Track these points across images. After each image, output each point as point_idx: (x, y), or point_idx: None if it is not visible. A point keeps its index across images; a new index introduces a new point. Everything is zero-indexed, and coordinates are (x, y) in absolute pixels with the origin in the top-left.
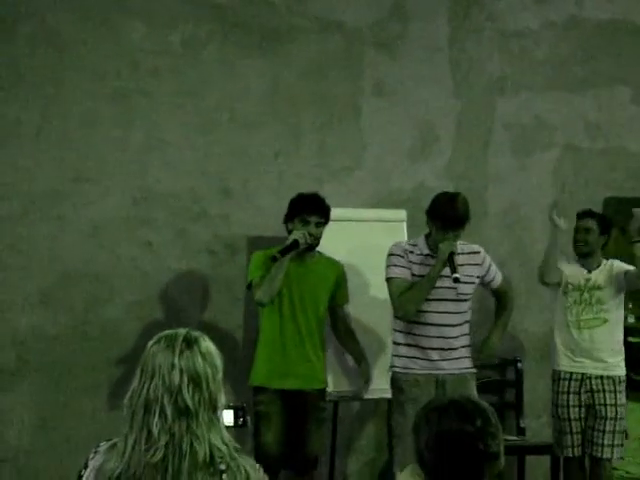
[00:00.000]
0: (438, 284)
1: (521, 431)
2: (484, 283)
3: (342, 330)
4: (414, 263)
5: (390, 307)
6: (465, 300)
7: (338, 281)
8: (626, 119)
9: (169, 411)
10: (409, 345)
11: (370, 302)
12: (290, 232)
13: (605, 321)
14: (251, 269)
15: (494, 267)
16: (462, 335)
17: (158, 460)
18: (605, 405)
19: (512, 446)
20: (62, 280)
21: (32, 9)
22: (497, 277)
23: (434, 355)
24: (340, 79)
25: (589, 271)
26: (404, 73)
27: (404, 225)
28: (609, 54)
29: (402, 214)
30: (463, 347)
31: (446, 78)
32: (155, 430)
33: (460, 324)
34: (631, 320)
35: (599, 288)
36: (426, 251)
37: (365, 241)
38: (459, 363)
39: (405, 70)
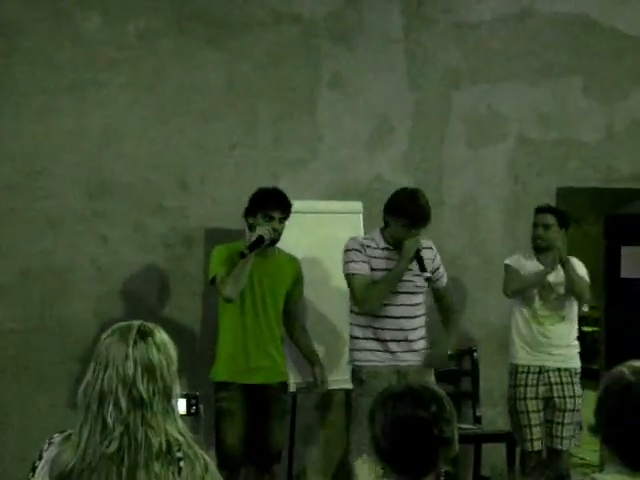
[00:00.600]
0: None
1: (477, 420)
2: (430, 279)
3: (295, 328)
4: (372, 257)
5: (347, 300)
6: (420, 293)
7: (296, 278)
8: (579, 110)
9: (123, 402)
10: (368, 338)
11: (327, 294)
12: (250, 226)
13: (563, 317)
14: (213, 264)
15: (442, 267)
16: (420, 327)
17: (113, 451)
18: (564, 397)
19: (468, 434)
20: (18, 275)
21: None
22: (444, 277)
23: (394, 347)
24: (296, 71)
25: (545, 265)
26: (360, 65)
27: (360, 217)
28: (562, 46)
29: (358, 206)
30: (421, 339)
31: (402, 70)
32: (110, 421)
33: (417, 316)
34: (585, 310)
35: (557, 285)
36: (383, 245)
37: (321, 233)
38: (419, 355)
39: (361, 62)
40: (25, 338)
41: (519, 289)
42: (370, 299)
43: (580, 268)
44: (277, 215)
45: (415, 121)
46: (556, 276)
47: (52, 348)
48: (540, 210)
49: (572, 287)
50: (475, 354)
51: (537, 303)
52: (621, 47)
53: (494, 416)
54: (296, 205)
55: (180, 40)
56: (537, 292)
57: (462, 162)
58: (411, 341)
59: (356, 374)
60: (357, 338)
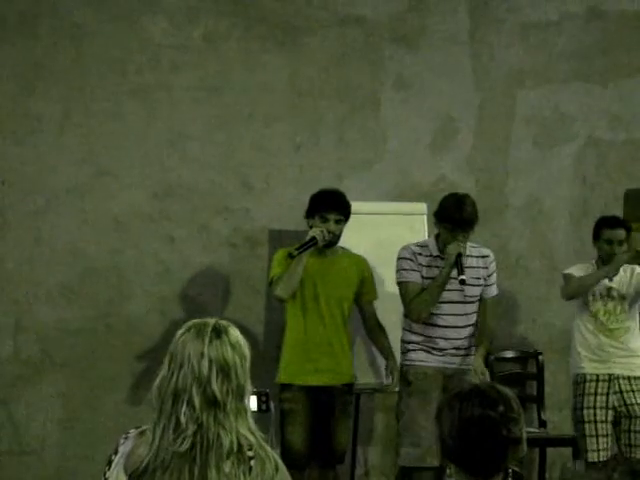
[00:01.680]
0: (446, 287)
1: (542, 423)
2: (464, 282)
3: (372, 326)
4: (423, 265)
5: None
6: (472, 302)
7: (364, 278)
8: None
9: (197, 401)
10: (418, 344)
11: (390, 296)
12: (311, 228)
13: (628, 328)
14: (273, 266)
15: (495, 278)
16: (470, 336)
17: (186, 449)
18: (637, 404)
19: (534, 438)
20: (85, 274)
21: (54, 5)
22: (493, 289)
23: (440, 355)
24: (360, 72)
25: (610, 279)
26: (424, 66)
27: (424, 218)
28: (630, 45)
29: (422, 207)
30: (471, 347)
31: (466, 70)
32: (183, 419)
33: (468, 325)
34: None
35: (622, 297)
36: (436, 252)
37: (385, 235)
38: (467, 360)
39: (425, 63)
40: (91, 337)
41: (576, 290)
42: (417, 307)
43: None
44: (332, 217)
45: (480, 122)
46: (620, 284)
47: (118, 347)
48: (612, 225)
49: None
50: (540, 357)
51: (602, 313)
52: None
53: (560, 420)
54: (360, 206)
55: (244, 43)
56: (603, 304)
57: (527, 163)
58: (459, 349)
59: (404, 375)
60: (408, 342)
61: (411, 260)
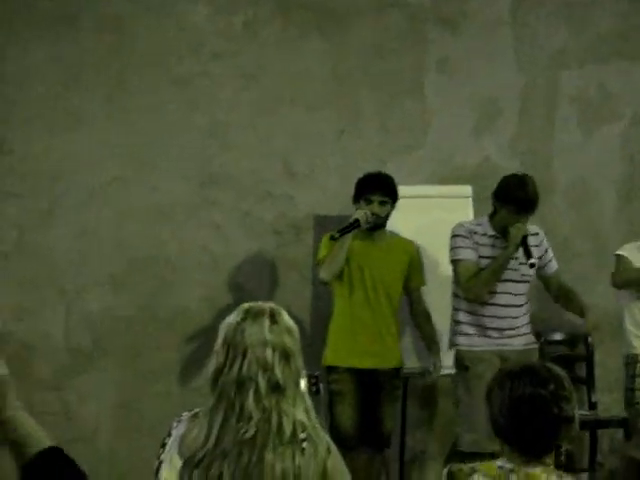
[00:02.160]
0: None
1: (592, 406)
2: (534, 266)
3: (418, 313)
4: (480, 244)
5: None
6: (527, 281)
7: (412, 263)
8: None
9: (263, 388)
10: (472, 324)
11: (436, 279)
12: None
13: None
14: (320, 250)
15: (551, 252)
16: (523, 315)
17: (250, 437)
18: None
19: (584, 420)
20: (131, 265)
21: None
22: (553, 262)
23: (496, 334)
24: (401, 56)
25: None
26: (467, 49)
27: (470, 201)
28: None
29: (468, 190)
30: (524, 325)
31: (509, 52)
32: (250, 407)
33: (521, 305)
34: None
35: None
36: (491, 232)
37: (431, 218)
38: (522, 339)
39: (467, 46)
40: (139, 326)
41: (628, 281)
42: (476, 287)
43: None
44: (376, 198)
45: (524, 103)
46: None
47: (165, 335)
48: None
49: None
50: (589, 339)
51: None
52: None
53: (610, 402)
54: (405, 190)
55: (285, 29)
56: None
57: (572, 144)
58: (514, 329)
59: (460, 360)
60: (460, 322)
61: (467, 238)
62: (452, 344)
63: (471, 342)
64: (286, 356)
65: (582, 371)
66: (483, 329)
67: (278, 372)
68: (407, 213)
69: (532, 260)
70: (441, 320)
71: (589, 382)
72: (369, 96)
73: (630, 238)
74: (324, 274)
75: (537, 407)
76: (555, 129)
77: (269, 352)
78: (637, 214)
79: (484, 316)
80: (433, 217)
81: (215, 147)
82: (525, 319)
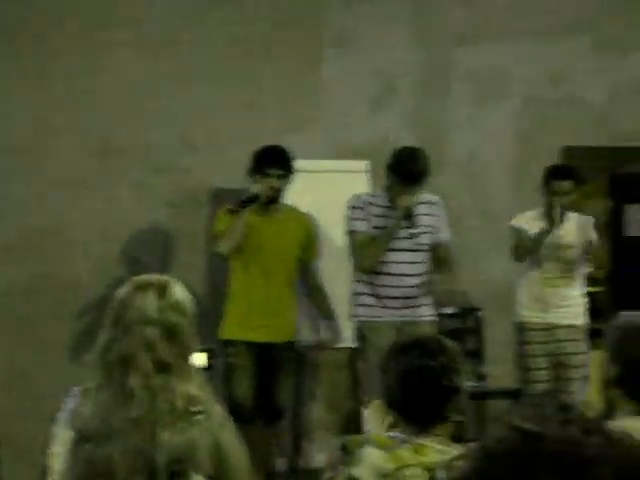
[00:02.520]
0: (396, 235)
1: (482, 377)
2: (415, 236)
3: (311, 286)
4: (374, 215)
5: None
6: (423, 251)
7: (308, 236)
8: (586, 68)
9: (146, 366)
10: (370, 295)
11: (332, 253)
12: None
13: (572, 278)
14: (215, 223)
15: (446, 224)
16: (421, 284)
17: (136, 415)
18: (573, 354)
19: (474, 392)
20: (25, 234)
21: None
22: (443, 233)
23: (395, 304)
24: (299, 29)
25: (558, 230)
26: (364, 24)
27: (366, 176)
28: (569, 3)
29: (364, 165)
30: (423, 296)
31: (406, 27)
32: (133, 385)
33: (419, 274)
34: (587, 270)
35: (569, 247)
36: (386, 203)
37: (327, 192)
38: (419, 311)
39: (365, 20)
40: (32, 297)
41: (523, 255)
42: (366, 257)
43: (593, 231)
44: (274, 172)
45: (419, 79)
46: (567, 238)
47: (59, 308)
48: (561, 176)
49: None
50: (479, 312)
51: (546, 264)
52: (630, 5)
53: (499, 374)
54: (302, 164)
55: (184, 0)
56: (547, 253)
57: (467, 120)
58: (411, 298)
59: (358, 331)
60: (358, 294)
61: (361, 209)
62: (352, 316)
63: (370, 313)
64: (172, 333)
65: (472, 344)
66: (381, 299)
67: (163, 350)
68: (304, 187)
69: (412, 230)
70: (340, 293)
71: (479, 354)
72: (267, 69)
73: (521, 212)
74: (223, 248)
75: (426, 379)
76: (450, 104)
77: (153, 331)
78: (527, 189)
79: (382, 286)
80: (330, 191)
81: (112, 118)
82: (423, 289)
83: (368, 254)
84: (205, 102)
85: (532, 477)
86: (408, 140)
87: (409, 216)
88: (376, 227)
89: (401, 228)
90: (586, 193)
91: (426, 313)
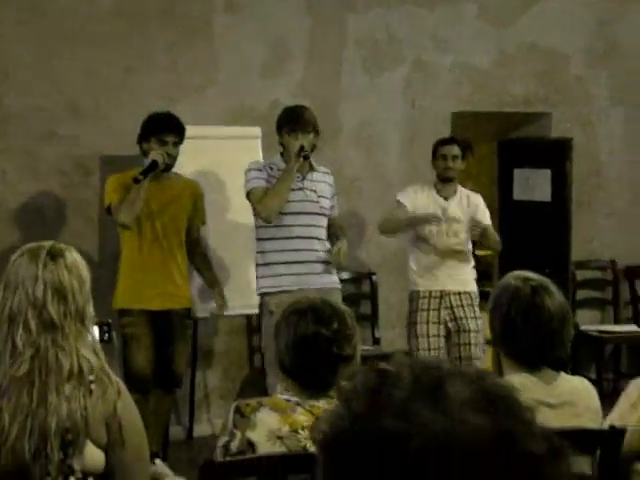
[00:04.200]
0: (300, 198)
1: (376, 341)
2: (308, 157)
3: (196, 252)
4: (272, 177)
5: (246, 224)
6: (325, 215)
7: (196, 201)
8: (472, 35)
9: (33, 324)
10: (275, 263)
11: (226, 219)
12: (145, 152)
13: (461, 250)
14: (108, 192)
15: (336, 198)
16: (325, 250)
17: (24, 373)
18: (467, 318)
19: (368, 355)
20: None
21: None
22: (336, 208)
23: (302, 269)
24: None
25: (445, 198)
26: None
27: (259, 142)
28: None
29: (257, 131)
30: (327, 262)
31: None
32: (20, 343)
33: (323, 239)
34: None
35: (456, 220)
36: (283, 166)
37: (219, 159)
38: (325, 277)
39: None
40: None
41: (389, 231)
42: (268, 202)
43: (486, 215)
44: (171, 139)
45: (312, 46)
46: (455, 211)
47: None
48: (446, 142)
49: (487, 244)
50: (374, 277)
51: (435, 234)
52: None
53: (393, 337)
54: (194, 131)
55: None
56: (436, 224)
57: (359, 87)
58: (317, 262)
59: (265, 305)
60: (263, 265)
61: (259, 170)
62: (258, 287)
63: (275, 284)
64: (62, 294)
65: (367, 308)
66: (285, 266)
67: (51, 309)
68: (196, 153)
69: (305, 152)
70: (230, 260)
71: (373, 319)
72: (157, 34)
73: (413, 177)
74: (125, 218)
75: (318, 346)
76: (342, 72)
77: (40, 288)
78: (419, 156)
79: (285, 251)
80: (222, 158)
81: None
82: (326, 255)
83: (266, 201)
84: (93, 67)
85: (391, 404)
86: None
87: (300, 151)
88: None
89: (304, 188)
90: (476, 158)
91: (332, 280)
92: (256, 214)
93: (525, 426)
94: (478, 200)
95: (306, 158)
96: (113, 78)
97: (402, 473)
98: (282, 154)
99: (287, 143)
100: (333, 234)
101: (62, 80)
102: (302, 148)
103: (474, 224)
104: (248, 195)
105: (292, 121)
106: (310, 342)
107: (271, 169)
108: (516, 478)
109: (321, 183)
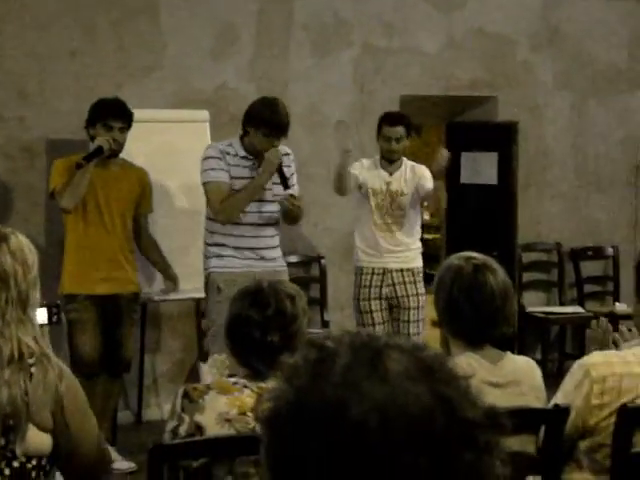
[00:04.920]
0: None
1: (325, 324)
2: (293, 196)
3: (145, 239)
4: (232, 165)
5: (194, 208)
6: (274, 202)
7: (144, 189)
8: (419, 18)
9: None
10: (225, 245)
11: (174, 203)
12: (92, 137)
13: (404, 223)
14: (53, 177)
15: (295, 176)
16: (276, 235)
17: None
18: (407, 296)
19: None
20: None
21: None
22: (296, 186)
23: (250, 254)
24: None
25: (390, 174)
26: None
27: (207, 125)
28: None
29: (204, 114)
30: (276, 247)
31: None
32: None
33: (273, 224)
34: (426, 217)
35: (401, 194)
36: (242, 153)
37: (167, 142)
38: (273, 261)
39: None
40: None
41: (335, 189)
42: (229, 208)
43: (429, 180)
44: (117, 125)
45: (259, 28)
46: (399, 185)
47: None
48: (391, 122)
49: (433, 202)
50: (323, 261)
51: (379, 209)
52: None
53: (342, 320)
54: (140, 114)
55: None
56: (380, 199)
57: (307, 70)
58: (267, 248)
59: (213, 282)
60: (214, 245)
61: (219, 159)
62: (205, 267)
63: (224, 264)
64: (3, 279)
65: (316, 292)
66: (235, 250)
67: None
68: (143, 138)
69: (290, 191)
70: (176, 244)
71: (322, 302)
72: (102, 15)
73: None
74: (67, 203)
75: (245, 329)
76: (290, 54)
77: None
78: (367, 140)
79: (236, 236)
80: (169, 141)
81: None
82: (277, 240)
83: (230, 206)
84: (38, 50)
85: (333, 377)
86: (249, 90)
87: (281, 175)
88: (235, 177)
89: (251, 168)
90: (424, 142)
91: (279, 263)
92: (212, 210)
93: (462, 394)
94: (422, 170)
95: (285, 183)
96: (58, 60)
97: (344, 442)
98: (242, 139)
99: (259, 143)
100: (286, 217)
101: (7, 63)
102: (280, 164)
103: (427, 193)
104: (204, 185)
105: (271, 124)
106: (239, 324)
107: (228, 154)
108: (454, 444)
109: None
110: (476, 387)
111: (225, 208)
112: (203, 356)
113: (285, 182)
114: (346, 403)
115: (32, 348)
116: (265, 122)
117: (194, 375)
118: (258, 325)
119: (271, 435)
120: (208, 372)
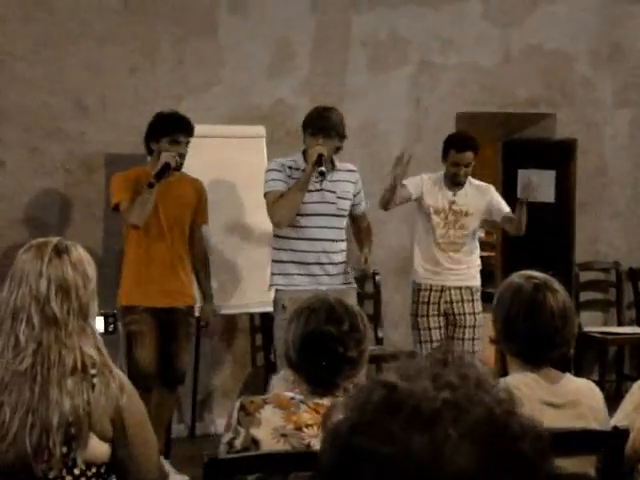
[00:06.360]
0: (316, 199)
1: (379, 341)
2: (324, 174)
3: (197, 252)
4: (293, 178)
5: (255, 222)
6: (343, 216)
7: (200, 199)
8: (477, 35)
9: (36, 320)
10: (290, 262)
11: (229, 219)
12: (151, 152)
13: (464, 243)
14: (115, 191)
15: (363, 193)
16: (341, 251)
17: (26, 368)
18: (464, 314)
19: (371, 355)
20: None
21: None
22: (363, 203)
23: (316, 270)
24: None
25: (454, 193)
26: None
27: (263, 141)
28: None
29: (261, 130)
30: (342, 263)
31: None
32: (22, 338)
33: (339, 240)
34: (480, 234)
35: (465, 214)
36: (304, 166)
37: (224, 158)
38: (340, 278)
39: None
40: None
41: (381, 204)
42: (279, 210)
43: (504, 204)
44: (183, 139)
45: (316, 45)
46: (462, 204)
47: None
48: (459, 148)
49: (516, 228)
50: (377, 277)
51: (441, 227)
52: None
53: (396, 338)
54: (198, 129)
55: None
56: (443, 217)
57: (363, 86)
58: (332, 264)
59: (278, 300)
60: (278, 262)
61: (279, 171)
62: (271, 283)
63: (289, 282)
64: (65, 290)
65: (370, 308)
66: (301, 266)
67: (54, 305)
68: (200, 152)
69: (321, 168)
70: (237, 258)
71: (376, 319)
72: (163, 32)
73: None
74: (137, 220)
75: (324, 345)
76: (346, 71)
77: (44, 284)
78: (423, 157)
79: (300, 251)
80: (227, 157)
81: (1, 80)
82: (342, 256)
83: (280, 207)
84: (98, 64)
85: (387, 427)
86: (305, 107)
87: (319, 161)
88: None
89: (322, 190)
90: (480, 159)
91: (347, 280)
92: (269, 215)
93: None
94: (492, 192)
95: (322, 174)
96: (118, 75)
97: None
98: (304, 152)
99: (308, 145)
100: (357, 233)
101: (67, 77)
102: (320, 157)
103: (505, 217)
104: (265, 195)
105: (316, 124)
106: (317, 339)
107: (290, 168)
108: None
109: (342, 183)
110: (534, 408)
111: (275, 212)
112: (270, 369)
113: (320, 164)
114: (392, 459)
115: (94, 358)
116: (312, 121)
117: (250, 389)
118: (338, 340)
119: (326, 460)
120: (278, 385)
